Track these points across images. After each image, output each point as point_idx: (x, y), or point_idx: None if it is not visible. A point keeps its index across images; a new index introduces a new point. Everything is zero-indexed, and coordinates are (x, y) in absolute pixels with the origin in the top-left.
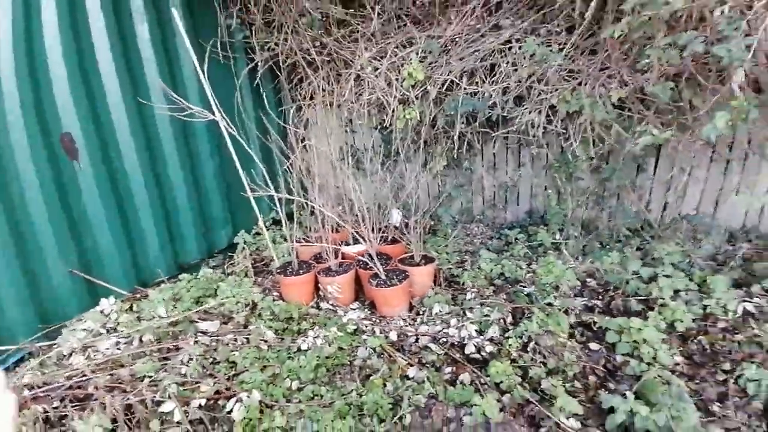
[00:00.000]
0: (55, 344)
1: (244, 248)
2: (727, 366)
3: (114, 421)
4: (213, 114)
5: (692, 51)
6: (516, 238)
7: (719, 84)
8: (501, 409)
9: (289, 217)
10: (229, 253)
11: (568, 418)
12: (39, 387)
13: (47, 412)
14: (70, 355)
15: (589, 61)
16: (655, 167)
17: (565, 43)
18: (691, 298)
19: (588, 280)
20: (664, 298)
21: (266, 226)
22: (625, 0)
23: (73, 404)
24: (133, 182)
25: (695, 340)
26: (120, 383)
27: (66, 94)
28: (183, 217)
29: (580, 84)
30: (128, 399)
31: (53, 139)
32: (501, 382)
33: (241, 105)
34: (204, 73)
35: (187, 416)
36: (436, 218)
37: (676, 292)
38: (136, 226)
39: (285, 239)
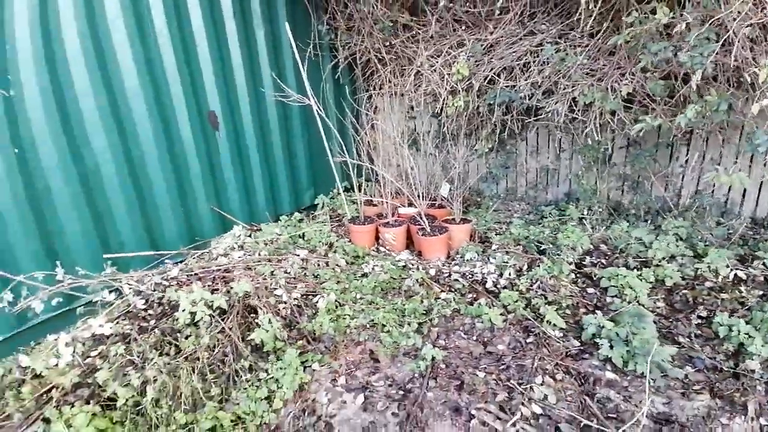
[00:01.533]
0: (205, 251)
1: (323, 205)
2: (703, 314)
3: (247, 295)
4: (309, 100)
5: (663, 57)
6: (550, 213)
7: (703, 83)
8: (504, 320)
9: (354, 187)
10: (311, 212)
11: (553, 330)
12: (201, 270)
13: (205, 286)
14: (216, 258)
15: (608, 61)
16: (687, 157)
17: (587, 46)
18: (685, 262)
19: (601, 245)
20: (659, 260)
21: (338, 192)
22: (629, 14)
23: (222, 282)
24: (251, 150)
25: (680, 294)
26: (250, 276)
27: (212, 82)
28: (280, 178)
29: (599, 80)
30: (256, 283)
31: (203, 114)
32: (508, 304)
33: (326, 93)
34: (304, 69)
35: (290, 300)
36: (482, 194)
37: (672, 257)
38: (251, 182)
39: (354, 202)
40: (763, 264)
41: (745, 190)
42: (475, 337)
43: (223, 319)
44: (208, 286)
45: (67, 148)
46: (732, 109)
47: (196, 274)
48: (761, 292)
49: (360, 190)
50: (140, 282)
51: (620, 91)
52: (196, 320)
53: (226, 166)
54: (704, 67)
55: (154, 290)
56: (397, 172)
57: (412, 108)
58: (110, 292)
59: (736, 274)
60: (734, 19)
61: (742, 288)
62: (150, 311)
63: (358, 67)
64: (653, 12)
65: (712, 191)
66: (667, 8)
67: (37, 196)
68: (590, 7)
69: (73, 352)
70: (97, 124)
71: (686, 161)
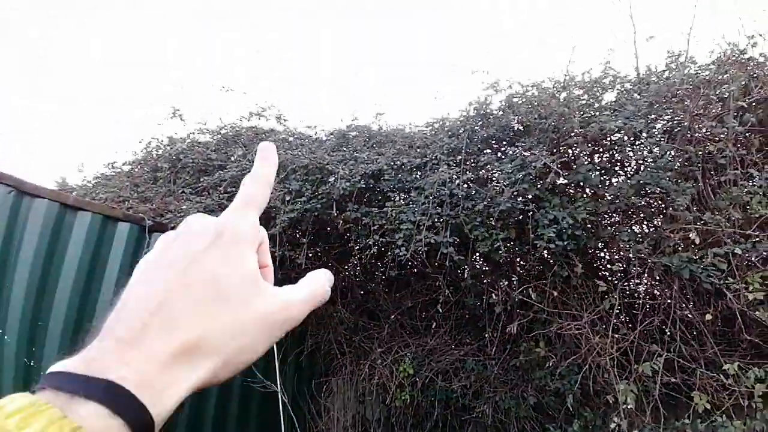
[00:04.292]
0: None
1: None
2: None
3: None
4: (275, 386)
5: (542, 384)
6: None
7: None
8: None
9: None
10: None
11: None
12: None
13: None
14: None
15: (516, 374)
16: None
17: (500, 359)
18: None
19: None
20: None
21: None
22: (520, 345)
23: None
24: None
25: None
26: None
27: None
28: None
29: (511, 389)
30: None
31: None
32: None
33: (287, 376)
34: (277, 360)
35: None
36: None
37: None
38: None
39: None
40: None
41: None
42: None
43: None
44: None
45: None
46: (606, 422)
47: None
48: None
49: None
50: None
51: (529, 401)
52: None
53: None
54: (573, 391)
55: None
56: None
57: (363, 395)
58: None
59: None
60: (594, 353)
61: None
62: None
63: (319, 354)
64: (537, 344)
65: None
66: (543, 344)
67: None
68: (492, 335)
69: None
70: None
71: None
